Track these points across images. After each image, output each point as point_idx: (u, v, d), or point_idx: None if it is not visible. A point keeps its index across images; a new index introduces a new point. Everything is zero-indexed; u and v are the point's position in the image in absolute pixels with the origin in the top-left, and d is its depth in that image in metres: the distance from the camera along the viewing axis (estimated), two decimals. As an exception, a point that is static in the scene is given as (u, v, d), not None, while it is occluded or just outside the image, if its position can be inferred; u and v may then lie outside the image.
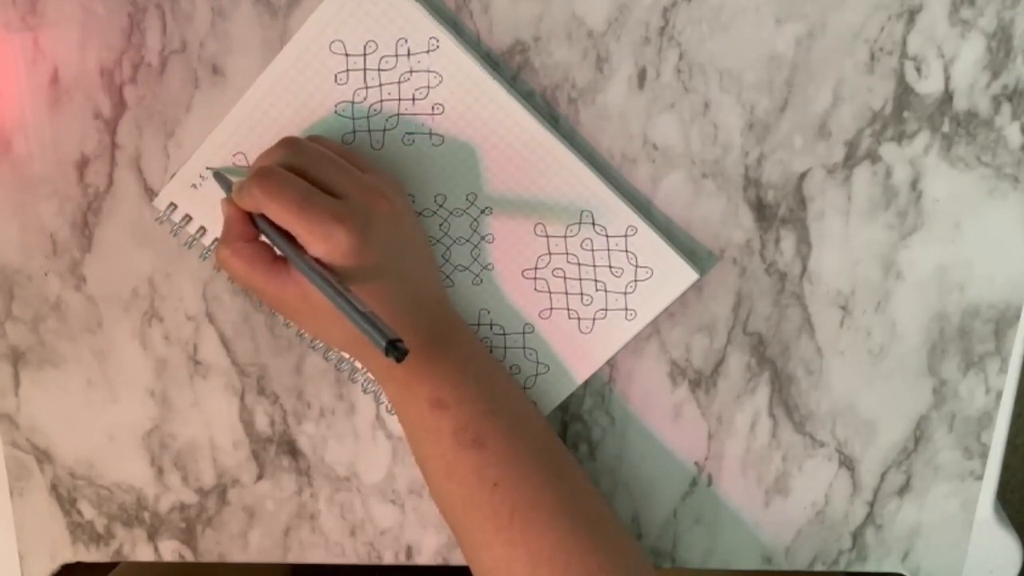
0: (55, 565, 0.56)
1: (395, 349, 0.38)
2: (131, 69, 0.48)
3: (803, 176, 0.50)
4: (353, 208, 0.43)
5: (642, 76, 0.49)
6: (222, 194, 0.49)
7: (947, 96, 0.49)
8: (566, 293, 0.51)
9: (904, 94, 0.49)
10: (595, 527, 0.46)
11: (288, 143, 0.45)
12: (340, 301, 0.40)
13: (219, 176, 0.48)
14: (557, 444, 0.49)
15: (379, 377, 0.48)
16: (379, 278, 0.44)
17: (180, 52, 0.48)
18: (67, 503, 0.55)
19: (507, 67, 0.48)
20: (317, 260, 0.43)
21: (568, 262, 0.51)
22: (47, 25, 0.47)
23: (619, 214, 0.50)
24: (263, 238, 0.45)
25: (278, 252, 0.45)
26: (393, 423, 0.54)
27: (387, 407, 0.53)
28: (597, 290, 0.51)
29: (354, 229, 0.42)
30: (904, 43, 0.48)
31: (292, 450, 0.54)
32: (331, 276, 0.42)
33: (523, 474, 0.46)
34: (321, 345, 0.52)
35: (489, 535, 0.46)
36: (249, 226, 0.45)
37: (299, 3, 0.47)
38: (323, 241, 0.42)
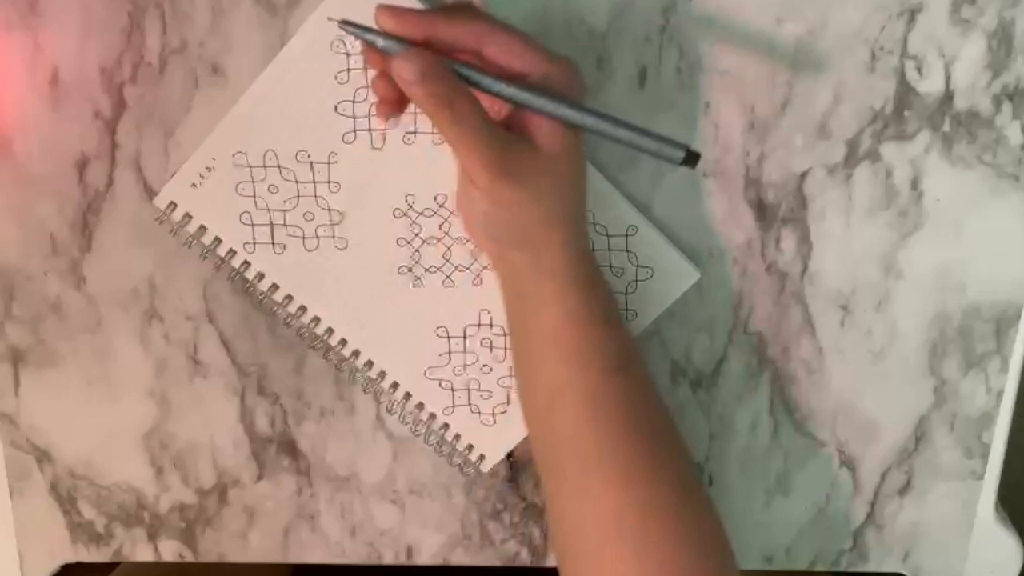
0: (55, 565, 0.56)
1: (692, 155, 0.39)
2: (131, 69, 0.48)
3: (804, 176, 0.50)
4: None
5: (642, 75, 0.48)
6: (223, 193, 0.49)
7: (948, 95, 0.48)
8: None
9: (905, 93, 0.48)
10: (696, 486, 0.45)
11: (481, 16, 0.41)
12: (607, 121, 0.40)
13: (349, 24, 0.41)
14: (662, 400, 0.46)
15: (542, 272, 0.43)
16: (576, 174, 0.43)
17: (180, 52, 0.48)
18: (67, 503, 0.55)
19: (507, 66, 0.48)
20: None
21: None
22: (47, 25, 0.47)
23: (620, 214, 0.50)
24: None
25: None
26: (393, 423, 0.54)
27: (387, 407, 0.53)
28: None
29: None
30: (905, 42, 0.48)
31: (292, 450, 0.54)
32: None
33: (653, 408, 0.44)
34: (321, 345, 0.52)
35: (610, 474, 0.43)
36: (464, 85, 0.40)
37: (299, 2, 0.47)
38: (567, 73, 0.41)
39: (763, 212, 0.50)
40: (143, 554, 0.56)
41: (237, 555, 0.56)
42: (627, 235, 0.50)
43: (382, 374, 0.52)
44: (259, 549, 0.56)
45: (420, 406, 0.53)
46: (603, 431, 0.43)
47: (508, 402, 0.53)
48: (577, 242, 0.44)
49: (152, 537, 0.56)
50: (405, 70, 0.38)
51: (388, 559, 0.56)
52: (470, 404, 0.53)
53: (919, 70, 0.48)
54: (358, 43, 0.47)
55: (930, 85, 0.48)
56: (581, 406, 0.43)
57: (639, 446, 0.43)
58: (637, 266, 0.51)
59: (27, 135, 0.49)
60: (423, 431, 0.53)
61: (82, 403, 0.53)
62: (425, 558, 0.56)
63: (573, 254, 0.43)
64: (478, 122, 0.39)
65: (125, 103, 0.49)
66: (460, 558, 0.56)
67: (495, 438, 0.53)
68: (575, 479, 0.44)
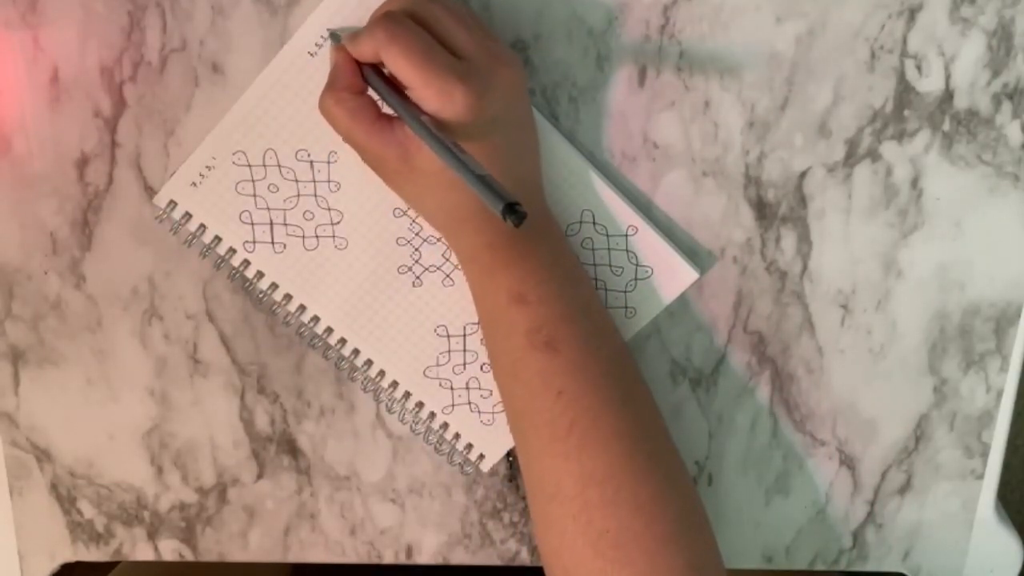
0: (55, 565, 0.56)
1: (513, 212, 0.36)
2: (131, 67, 0.48)
3: (803, 175, 0.50)
4: (474, 69, 0.42)
5: (642, 74, 0.48)
6: (223, 191, 0.49)
7: (947, 94, 0.49)
8: None
9: (904, 92, 0.49)
10: (653, 457, 0.45)
11: None
12: (453, 160, 0.38)
13: (333, 34, 0.47)
14: (629, 366, 0.47)
15: (462, 259, 0.47)
16: (486, 146, 0.43)
17: (180, 50, 0.48)
18: (67, 502, 0.55)
19: (507, 65, 0.48)
20: (428, 115, 0.41)
21: None
22: (47, 23, 0.47)
23: (620, 214, 0.50)
24: (370, 93, 0.44)
25: (384, 109, 0.44)
26: (393, 422, 0.54)
27: (387, 406, 0.53)
28: (597, 288, 0.51)
29: (472, 90, 0.41)
30: (904, 41, 0.48)
31: (292, 449, 0.54)
32: (444, 135, 0.40)
33: (589, 389, 0.44)
34: (320, 344, 0.52)
35: (544, 443, 0.44)
36: (357, 78, 0.44)
37: (299, 2, 0.47)
38: (439, 96, 0.41)
39: (763, 211, 0.50)
40: (143, 553, 0.56)
41: (237, 554, 0.56)
42: (627, 235, 0.50)
43: (381, 373, 0.52)
44: (259, 548, 0.56)
45: (420, 405, 0.53)
46: (520, 405, 0.45)
47: None
48: (458, 238, 0.46)
49: (152, 536, 0.55)
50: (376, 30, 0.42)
51: (388, 558, 0.56)
52: (470, 403, 0.53)
53: (919, 69, 0.48)
54: None
55: (930, 84, 0.48)
56: (503, 378, 0.46)
57: (563, 421, 0.44)
58: (637, 265, 0.51)
59: (27, 134, 0.49)
60: (422, 430, 0.53)
61: (82, 402, 0.53)
62: (425, 557, 0.56)
63: (459, 248, 0.47)
64: (361, 118, 0.43)
65: (125, 102, 0.49)
66: (460, 557, 0.56)
67: (495, 437, 0.53)
68: (517, 442, 0.47)
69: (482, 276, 0.46)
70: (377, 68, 0.43)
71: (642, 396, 0.47)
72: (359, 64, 0.44)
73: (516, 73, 0.44)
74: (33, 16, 0.47)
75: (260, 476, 0.55)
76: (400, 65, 0.41)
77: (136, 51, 0.48)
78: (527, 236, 0.45)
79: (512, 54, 0.45)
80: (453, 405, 0.53)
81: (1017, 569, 0.56)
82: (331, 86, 0.44)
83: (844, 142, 0.49)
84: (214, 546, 0.56)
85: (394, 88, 0.43)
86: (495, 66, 0.43)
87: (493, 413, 0.53)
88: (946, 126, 0.49)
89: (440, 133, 0.40)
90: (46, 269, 0.51)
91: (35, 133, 0.49)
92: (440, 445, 0.54)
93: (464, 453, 0.54)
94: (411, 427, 0.54)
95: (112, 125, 0.49)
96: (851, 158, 0.49)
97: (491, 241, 0.45)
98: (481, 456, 0.54)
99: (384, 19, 0.42)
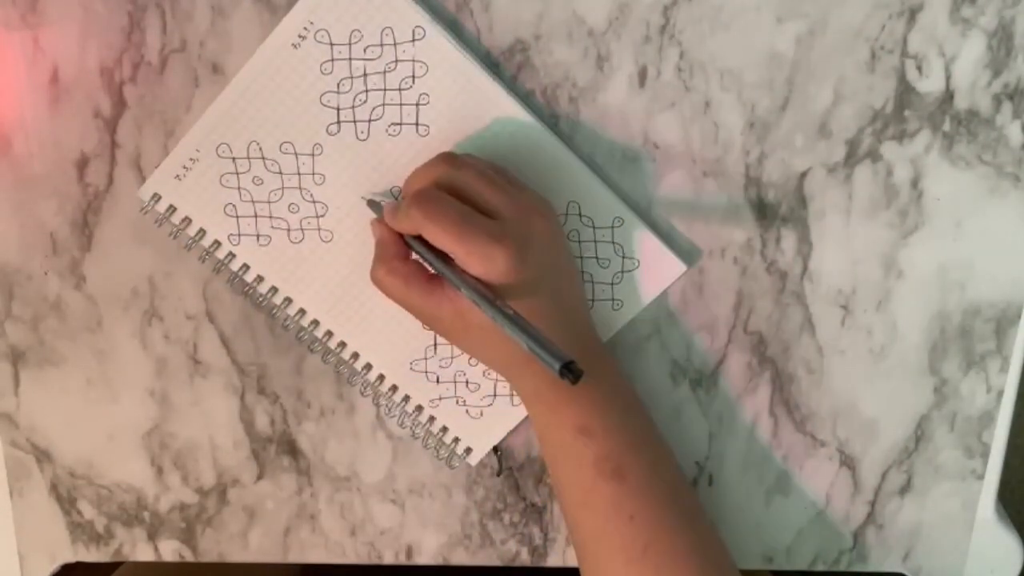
0: (55, 565, 0.56)
1: (571, 372, 0.39)
2: (131, 68, 0.48)
3: (804, 175, 0.50)
4: (510, 227, 0.44)
5: (643, 75, 0.48)
6: (208, 184, 0.49)
7: (948, 95, 0.49)
8: None
9: (905, 93, 0.48)
10: (722, 571, 0.47)
11: (445, 159, 0.46)
12: (505, 321, 0.41)
13: (372, 203, 0.49)
14: (688, 486, 0.49)
15: (525, 397, 0.49)
16: (534, 297, 0.45)
17: (180, 51, 0.48)
18: (67, 503, 0.55)
19: (507, 66, 0.48)
20: (475, 279, 0.43)
21: None
22: (47, 24, 0.47)
23: (606, 205, 0.50)
24: (415, 257, 0.46)
25: (432, 271, 0.46)
26: (393, 423, 0.54)
27: (386, 409, 0.53)
28: (584, 280, 0.51)
29: (512, 249, 0.43)
30: (905, 42, 0.48)
31: (292, 450, 0.54)
32: (492, 295, 0.42)
33: (659, 512, 0.46)
34: (319, 347, 0.52)
35: (619, 567, 0.46)
36: (403, 246, 0.46)
37: (298, 2, 0.47)
38: (481, 261, 0.43)
39: (763, 211, 0.50)
40: (143, 554, 0.56)
41: (237, 555, 0.56)
42: (613, 226, 0.50)
43: (368, 366, 0.52)
44: (259, 549, 0.56)
45: (406, 398, 0.53)
46: (591, 532, 0.47)
47: (494, 394, 0.53)
48: (518, 381, 0.48)
49: (152, 537, 0.55)
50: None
51: (388, 559, 0.56)
52: (456, 396, 0.53)
53: (919, 69, 0.48)
54: (343, 34, 0.47)
55: (930, 84, 0.48)
56: (572, 508, 0.47)
57: (637, 544, 0.45)
58: (623, 257, 0.51)
59: (27, 135, 0.49)
60: (409, 423, 0.53)
61: (82, 403, 0.53)
62: (425, 558, 0.56)
63: (521, 389, 0.48)
64: (413, 284, 0.46)
65: (125, 102, 0.49)
66: (460, 558, 0.56)
67: (482, 431, 0.53)
68: (587, 568, 0.48)
69: (547, 412, 0.47)
70: (420, 237, 0.45)
71: (701, 513, 0.48)
72: (401, 234, 0.46)
73: (550, 220, 0.46)
74: (33, 16, 0.47)
75: (260, 477, 0.55)
76: (441, 239, 0.43)
77: (136, 51, 0.48)
78: (587, 369, 0.46)
79: (543, 201, 0.47)
80: (440, 398, 0.53)
81: (1017, 569, 0.56)
82: (380, 258, 0.47)
83: (844, 142, 0.49)
84: (214, 547, 0.56)
85: (439, 254, 0.44)
86: (530, 218, 0.45)
87: (480, 407, 0.53)
88: (946, 126, 0.49)
89: (488, 294, 0.42)
90: (46, 269, 0.51)
91: (35, 133, 0.49)
92: (427, 439, 0.54)
93: (451, 447, 0.54)
94: (399, 422, 0.53)
95: (112, 125, 0.49)
96: (851, 158, 0.49)
97: (553, 379, 0.46)
98: (468, 450, 0.54)
99: (418, 197, 0.44)
